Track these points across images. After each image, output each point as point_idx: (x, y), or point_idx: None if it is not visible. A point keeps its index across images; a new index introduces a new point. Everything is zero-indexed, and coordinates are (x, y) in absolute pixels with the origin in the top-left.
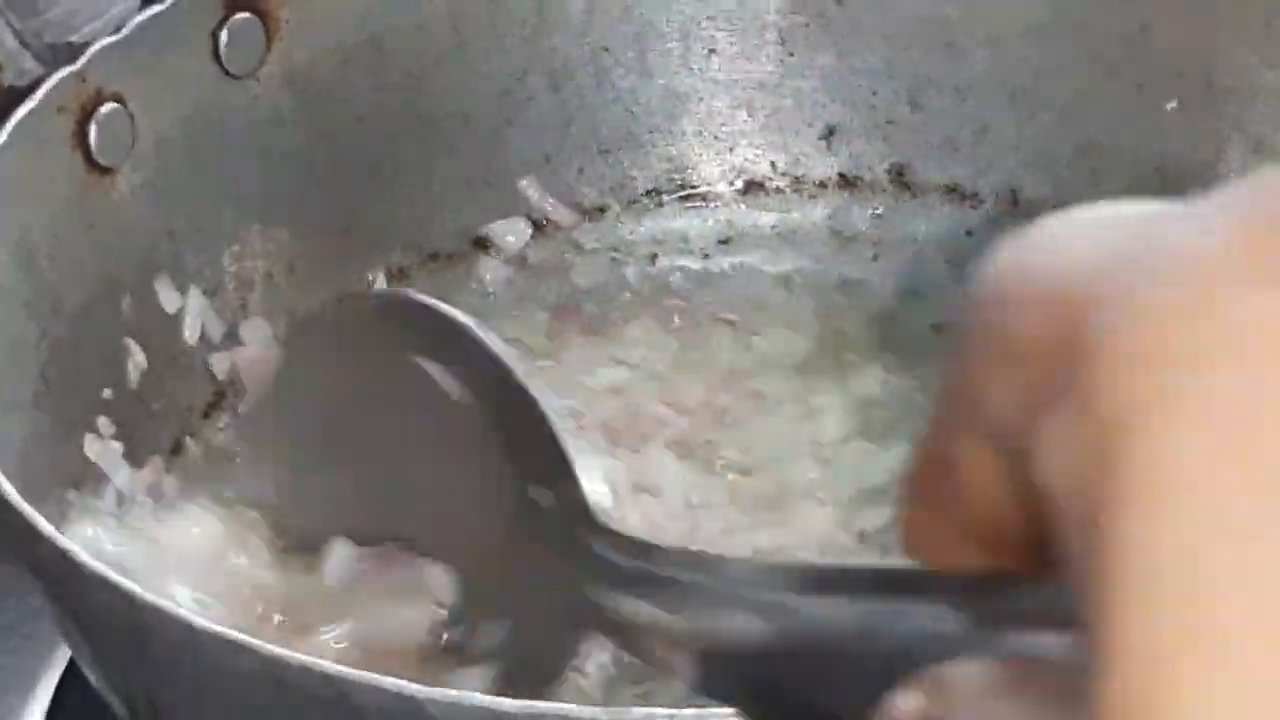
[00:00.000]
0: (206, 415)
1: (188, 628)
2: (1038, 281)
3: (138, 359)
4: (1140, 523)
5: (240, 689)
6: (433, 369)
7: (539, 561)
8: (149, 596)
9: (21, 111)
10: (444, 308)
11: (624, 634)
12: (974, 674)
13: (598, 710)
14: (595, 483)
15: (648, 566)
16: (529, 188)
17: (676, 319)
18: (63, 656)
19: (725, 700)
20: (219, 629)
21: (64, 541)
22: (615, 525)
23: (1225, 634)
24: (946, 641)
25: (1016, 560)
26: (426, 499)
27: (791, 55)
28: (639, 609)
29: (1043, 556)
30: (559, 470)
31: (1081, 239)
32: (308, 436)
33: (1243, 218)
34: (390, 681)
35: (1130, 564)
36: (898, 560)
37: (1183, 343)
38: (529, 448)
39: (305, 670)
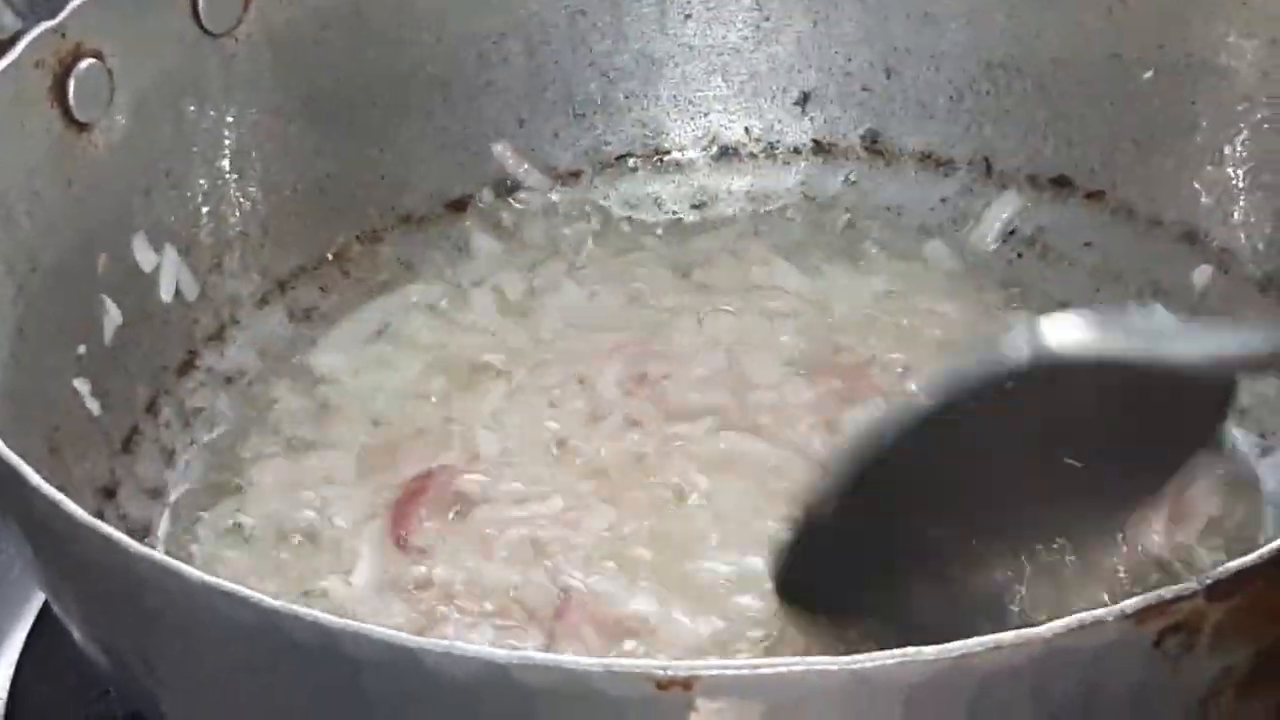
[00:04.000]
0: (181, 374)
1: (182, 579)
2: None
3: (113, 316)
4: None
5: (234, 640)
6: None
7: None
8: (142, 548)
9: (0, 65)
10: None
11: None
12: None
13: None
14: None
15: None
16: (503, 151)
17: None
18: (29, 614)
19: None
20: (214, 580)
21: (54, 492)
22: None
23: None
24: None
25: None
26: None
27: (767, 20)
28: None
29: None
30: None
31: None
32: None
33: None
34: (383, 632)
35: None
36: None
37: None
38: None
39: (300, 621)
